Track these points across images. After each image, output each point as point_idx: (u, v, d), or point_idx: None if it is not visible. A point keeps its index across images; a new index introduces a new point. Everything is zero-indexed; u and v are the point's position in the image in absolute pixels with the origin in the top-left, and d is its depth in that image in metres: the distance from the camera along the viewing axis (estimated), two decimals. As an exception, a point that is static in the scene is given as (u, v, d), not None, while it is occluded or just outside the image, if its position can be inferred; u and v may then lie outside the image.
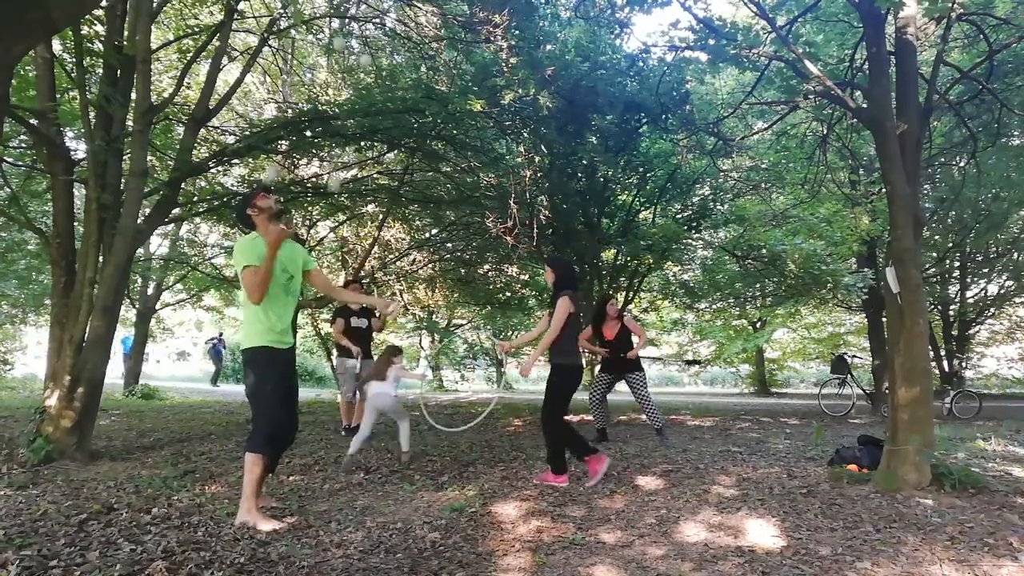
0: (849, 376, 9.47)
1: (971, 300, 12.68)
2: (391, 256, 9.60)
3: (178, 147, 5.67)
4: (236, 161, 6.39)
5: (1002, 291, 12.67)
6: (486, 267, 10.32)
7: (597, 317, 5.92)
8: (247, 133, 5.82)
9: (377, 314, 6.09)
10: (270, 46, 6.85)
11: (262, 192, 3.28)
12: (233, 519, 2.98)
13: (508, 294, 10.59)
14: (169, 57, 7.49)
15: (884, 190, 4.40)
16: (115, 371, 19.05)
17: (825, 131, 5.95)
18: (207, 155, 6.14)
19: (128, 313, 12.26)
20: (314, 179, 7.40)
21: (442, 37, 6.53)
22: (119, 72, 4.92)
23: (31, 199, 7.42)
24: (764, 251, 7.83)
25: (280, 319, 3.12)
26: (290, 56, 8.07)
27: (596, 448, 4.09)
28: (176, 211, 5.86)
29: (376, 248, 9.11)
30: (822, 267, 7.21)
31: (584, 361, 5.40)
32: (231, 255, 11.65)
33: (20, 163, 6.48)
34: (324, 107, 5.80)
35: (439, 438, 5.96)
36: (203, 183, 6.79)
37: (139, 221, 4.83)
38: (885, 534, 2.80)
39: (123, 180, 4.96)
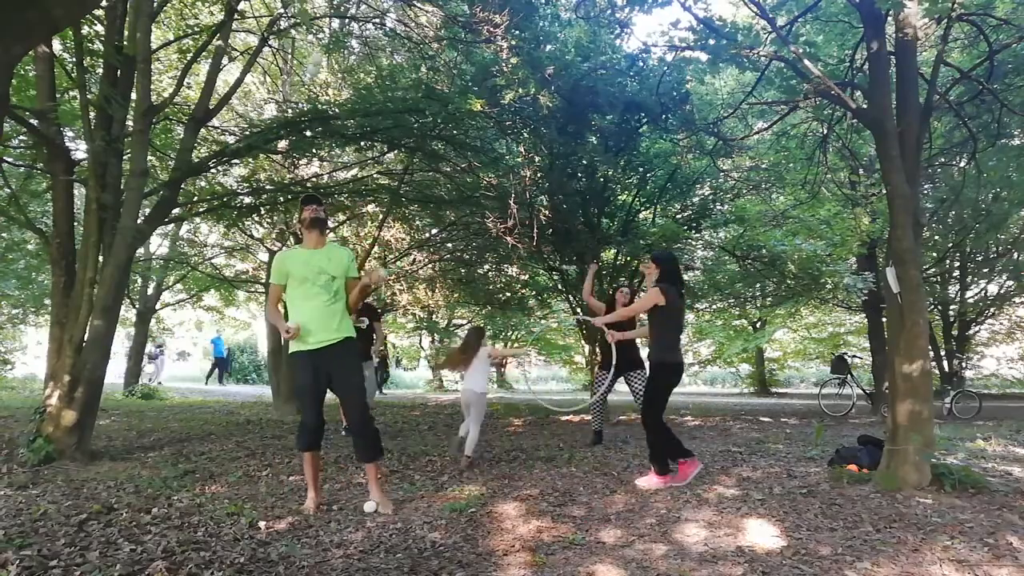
0: (849, 376, 9.47)
1: (971, 300, 12.66)
2: (391, 256, 9.59)
3: (178, 147, 5.67)
4: (236, 161, 6.39)
5: (1002, 291, 12.65)
6: (486, 267, 10.31)
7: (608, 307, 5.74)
8: (247, 133, 5.81)
9: (373, 324, 6.08)
10: (270, 46, 6.85)
11: (303, 204, 3.36)
12: (233, 519, 3.03)
13: (508, 294, 10.57)
14: (169, 57, 7.49)
15: (884, 190, 4.40)
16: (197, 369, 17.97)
17: (825, 131, 5.94)
18: (207, 155, 6.13)
19: (128, 313, 12.24)
20: (314, 179, 7.40)
21: (442, 37, 6.53)
22: (119, 72, 4.92)
23: (31, 199, 7.41)
24: (764, 251, 7.82)
25: (306, 322, 3.20)
26: (290, 56, 8.07)
27: (690, 451, 4.01)
28: (176, 211, 5.86)
29: (376, 248, 9.11)
30: (822, 267, 7.20)
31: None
32: (231, 255, 11.70)
33: (20, 163, 6.47)
34: (324, 107, 5.80)
35: (439, 438, 5.96)
36: (203, 183, 6.79)
37: (139, 221, 4.83)
38: (885, 534, 2.80)
39: (123, 180, 4.96)
